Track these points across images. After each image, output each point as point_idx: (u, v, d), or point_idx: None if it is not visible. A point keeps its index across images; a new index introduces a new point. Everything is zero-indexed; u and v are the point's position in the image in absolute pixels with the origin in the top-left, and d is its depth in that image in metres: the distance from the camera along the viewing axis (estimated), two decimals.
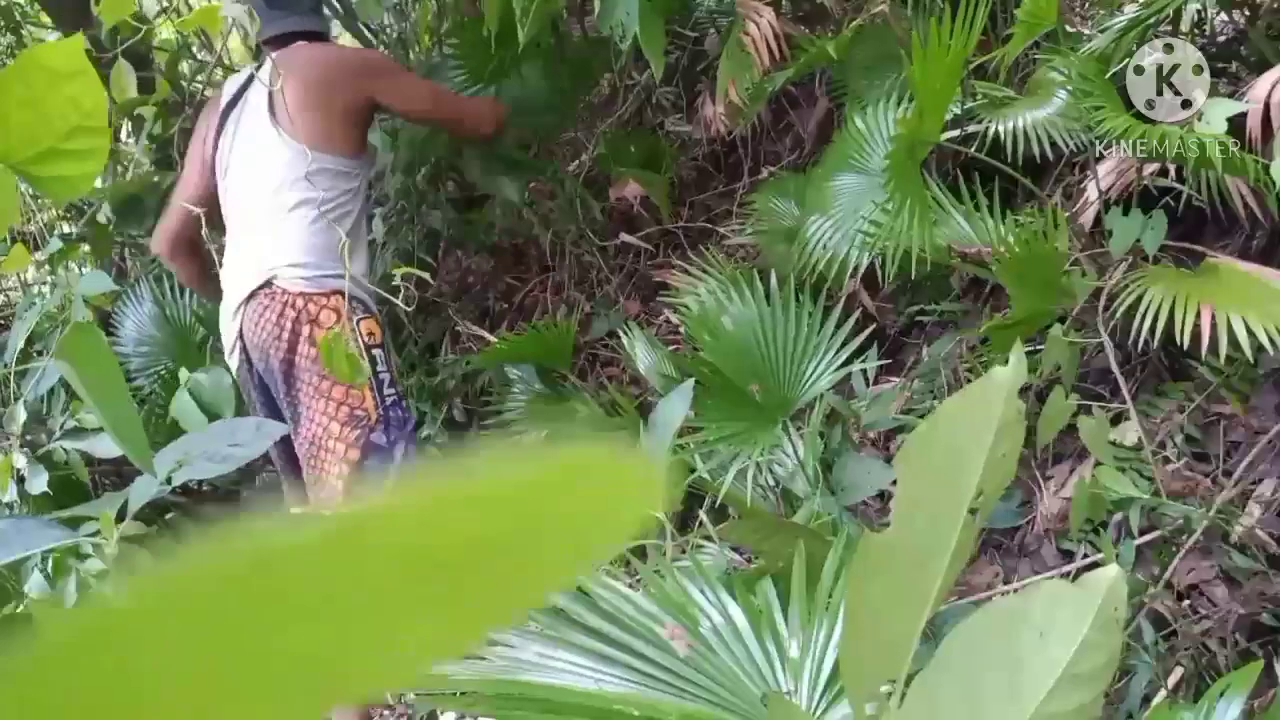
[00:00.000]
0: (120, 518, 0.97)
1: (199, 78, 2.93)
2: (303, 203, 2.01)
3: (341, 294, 1.99)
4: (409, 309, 2.00)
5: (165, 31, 3.01)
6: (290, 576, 0.13)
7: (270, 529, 0.13)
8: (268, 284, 2.01)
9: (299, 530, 0.13)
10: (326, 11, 2.22)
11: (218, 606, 0.13)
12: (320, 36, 2.18)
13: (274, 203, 2.04)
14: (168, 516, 2.70)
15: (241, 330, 2.07)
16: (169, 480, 0.82)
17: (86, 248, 2.93)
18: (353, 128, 2.08)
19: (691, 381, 1.39)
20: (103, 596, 0.13)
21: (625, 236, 2.75)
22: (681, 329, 2.21)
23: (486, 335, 2.64)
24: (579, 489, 0.15)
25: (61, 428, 2.37)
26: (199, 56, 3.13)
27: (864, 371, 2.05)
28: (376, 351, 2.03)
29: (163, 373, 2.75)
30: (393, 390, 2.04)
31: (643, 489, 0.15)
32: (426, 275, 2.17)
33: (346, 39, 3.11)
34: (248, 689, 0.14)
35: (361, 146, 2.12)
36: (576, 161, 2.92)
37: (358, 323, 2.01)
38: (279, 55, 2.07)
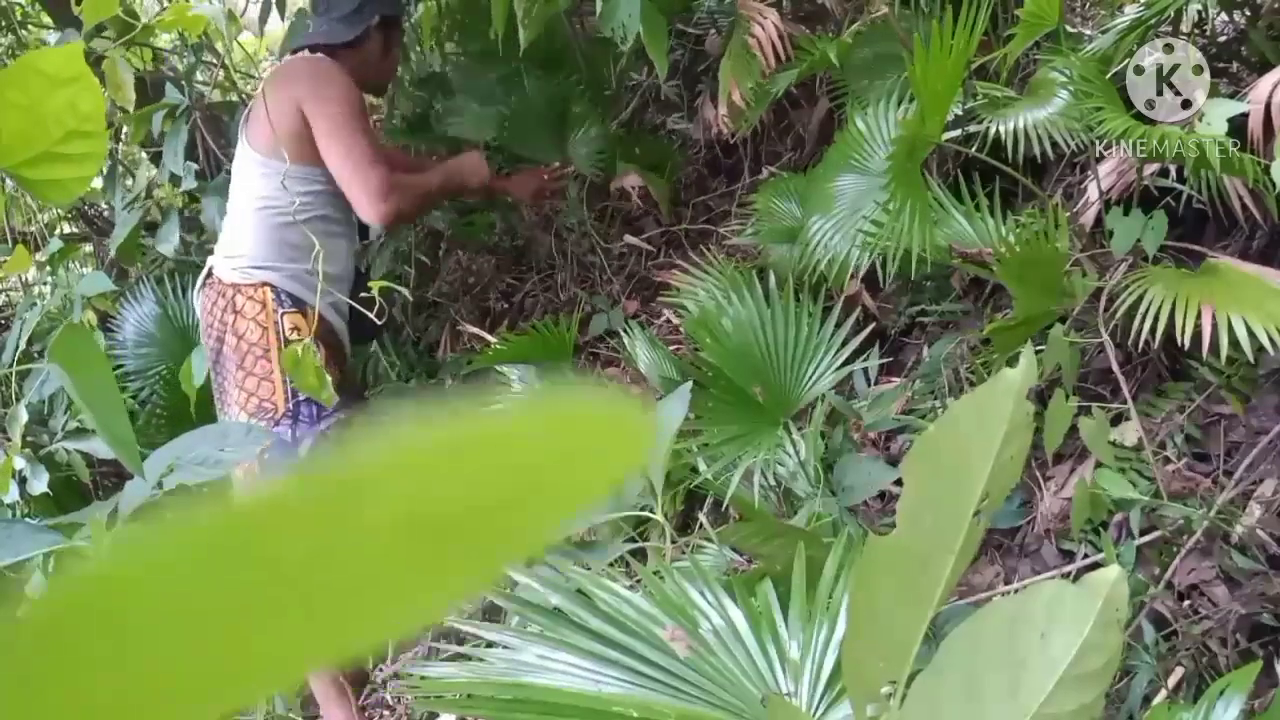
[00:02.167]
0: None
1: (200, 79, 2.93)
2: (251, 198, 2.08)
3: (271, 286, 2.05)
4: (380, 322, 2.00)
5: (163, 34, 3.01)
6: (276, 537, 0.13)
7: (255, 492, 0.13)
8: (210, 273, 2.14)
9: (285, 490, 0.13)
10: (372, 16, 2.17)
11: (202, 568, 0.13)
12: (350, 45, 2.14)
13: (233, 199, 2.15)
14: None
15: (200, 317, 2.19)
16: (160, 485, 0.82)
17: (88, 248, 2.92)
18: (304, 136, 2.03)
19: (689, 384, 1.38)
20: (90, 561, 0.13)
21: (630, 238, 2.75)
22: (681, 329, 2.20)
23: (486, 335, 2.64)
24: (568, 437, 0.15)
25: (63, 428, 2.37)
26: (205, 59, 3.12)
27: (865, 372, 2.05)
28: None
29: (163, 373, 2.74)
30: None
31: (632, 437, 0.15)
32: (404, 290, 2.19)
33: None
34: (234, 651, 0.14)
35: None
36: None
37: (281, 316, 2.05)
38: (277, 66, 2.13)
